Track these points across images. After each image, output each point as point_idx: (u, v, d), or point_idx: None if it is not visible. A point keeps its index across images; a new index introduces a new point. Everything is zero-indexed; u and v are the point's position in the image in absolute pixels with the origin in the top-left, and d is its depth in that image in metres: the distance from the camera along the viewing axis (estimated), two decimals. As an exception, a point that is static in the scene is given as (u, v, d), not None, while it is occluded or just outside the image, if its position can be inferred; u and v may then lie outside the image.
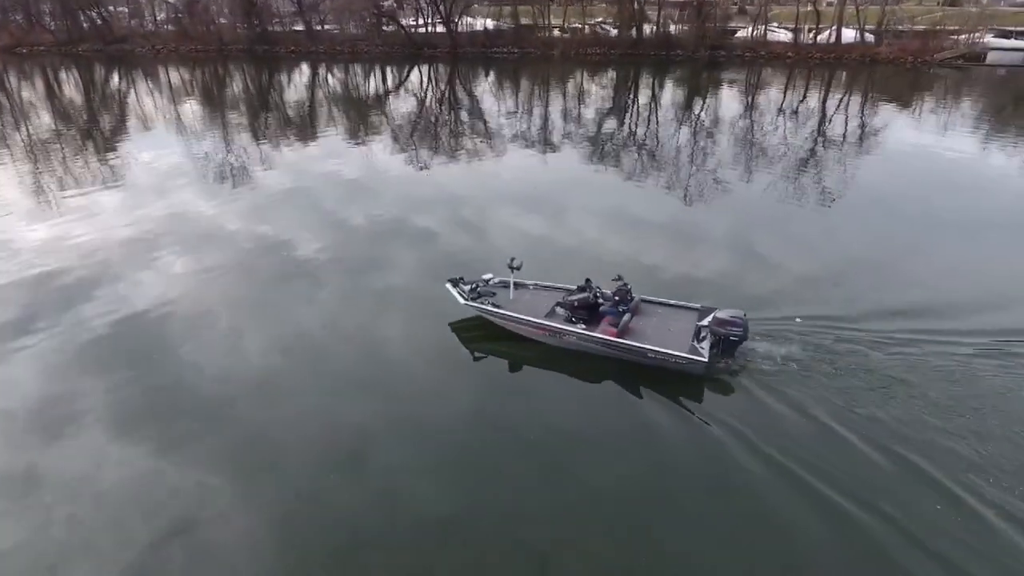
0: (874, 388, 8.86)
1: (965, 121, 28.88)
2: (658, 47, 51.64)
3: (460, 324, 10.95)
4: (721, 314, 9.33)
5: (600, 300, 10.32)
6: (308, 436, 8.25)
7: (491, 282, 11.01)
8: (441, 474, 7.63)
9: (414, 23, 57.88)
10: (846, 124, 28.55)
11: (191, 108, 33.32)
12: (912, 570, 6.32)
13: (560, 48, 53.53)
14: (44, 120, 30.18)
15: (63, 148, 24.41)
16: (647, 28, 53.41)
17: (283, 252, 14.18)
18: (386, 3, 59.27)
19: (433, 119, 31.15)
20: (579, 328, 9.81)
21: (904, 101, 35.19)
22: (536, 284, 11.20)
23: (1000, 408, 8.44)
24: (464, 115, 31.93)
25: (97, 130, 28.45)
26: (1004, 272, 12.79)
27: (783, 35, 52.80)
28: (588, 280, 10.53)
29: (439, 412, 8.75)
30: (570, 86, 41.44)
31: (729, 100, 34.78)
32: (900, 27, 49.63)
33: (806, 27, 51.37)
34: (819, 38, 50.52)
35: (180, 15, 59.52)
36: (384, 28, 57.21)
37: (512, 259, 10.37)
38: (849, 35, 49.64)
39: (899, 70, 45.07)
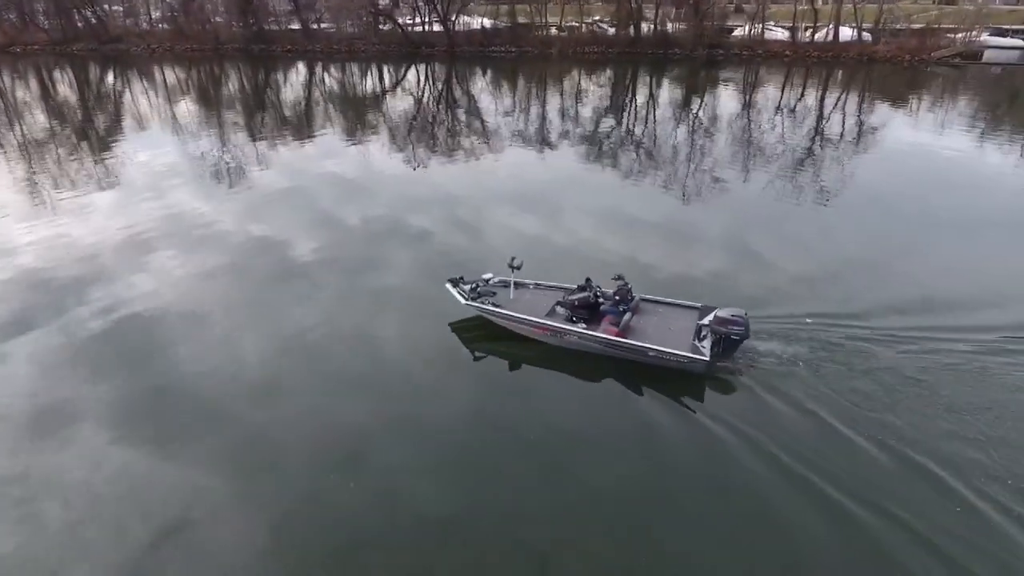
0: (876, 387, 8.86)
1: (962, 120, 28.96)
2: (656, 46, 51.63)
3: (460, 324, 10.91)
4: (722, 313, 9.32)
5: (600, 299, 10.30)
6: (308, 436, 8.22)
7: (491, 282, 10.98)
8: (441, 474, 7.61)
9: (411, 22, 57.73)
10: (844, 123, 28.58)
11: (187, 108, 33.15)
12: (916, 571, 6.31)
13: (558, 47, 53.48)
14: (39, 120, 29.98)
15: (58, 148, 24.26)
16: (645, 27, 53.40)
17: (281, 252, 14.11)
18: (383, 2, 59.12)
19: (430, 118, 31.07)
20: (580, 327, 9.78)
21: (902, 100, 35.27)
22: (536, 283, 11.17)
23: (1005, 405, 8.45)
24: (462, 114, 31.86)
25: (92, 130, 28.28)
26: (1005, 270, 12.81)
27: (780, 34, 52.86)
28: (588, 279, 10.50)
29: (439, 412, 8.72)
30: (568, 85, 41.38)
31: (727, 99, 34.79)
32: (897, 26, 49.73)
33: (803, 26, 51.45)
34: (816, 37, 50.61)
35: (175, 14, 59.21)
36: (381, 27, 57.05)
37: (512, 258, 10.33)
38: (846, 34, 49.74)
39: (896, 68, 45.17)
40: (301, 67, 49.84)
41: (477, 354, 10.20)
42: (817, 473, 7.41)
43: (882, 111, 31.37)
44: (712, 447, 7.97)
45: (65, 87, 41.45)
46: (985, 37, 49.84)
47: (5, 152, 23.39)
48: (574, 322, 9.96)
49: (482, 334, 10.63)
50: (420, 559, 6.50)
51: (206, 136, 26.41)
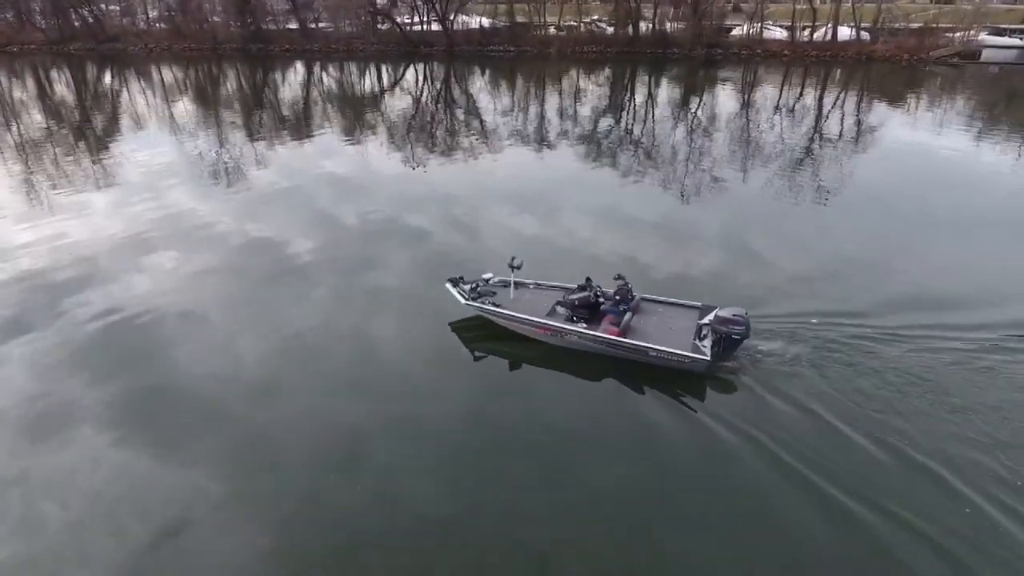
0: (878, 385, 8.85)
1: (960, 119, 29.02)
2: (654, 45, 51.63)
3: (460, 324, 10.89)
4: (723, 312, 9.31)
5: (601, 299, 10.29)
6: (308, 436, 8.20)
7: (491, 281, 10.96)
8: (441, 474, 7.60)
9: (409, 21, 57.63)
10: (843, 122, 28.61)
11: (185, 108, 33.05)
12: (919, 571, 6.30)
13: (556, 46, 53.45)
14: (36, 119, 29.87)
15: (55, 148, 24.16)
16: (643, 26, 53.39)
17: (280, 252, 14.07)
18: (381, 1, 58.99)
19: (429, 118, 31.02)
20: (580, 327, 9.77)
21: (900, 99, 35.31)
22: (536, 283, 11.15)
23: (1010, 405, 8.45)
24: (460, 114, 31.82)
25: (90, 129, 28.18)
26: (1005, 269, 12.82)
27: (779, 33, 52.91)
28: (588, 279, 10.48)
29: (439, 412, 8.70)
30: (566, 84, 41.36)
31: (726, 99, 34.80)
32: (895, 25, 49.81)
33: (801, 25, 51.48)
34: (815, 36, 50.66)
35: (173, 13, 59.03)
36: (379, 26, 56.96)
37: (513, 258, 10.32)
38: (844, 33, 49.80)
39: (895, 68, 45.23)
40: (299, 67, 49.73)
41: (477, 354, 10.18)
42: (818, 472, 7.40)
43: (881, 110, 31.41)
44: (713, 447, 7.96)
45: (62, 87, 41.31)
46: (983, 36, 49.95)
47: (2, 153, 23.28)
48: (574, 322, 9.94)
49: (482, 334, 10.61)
50: (420, 559, 6.48)
51: (204, 136, 26.33)
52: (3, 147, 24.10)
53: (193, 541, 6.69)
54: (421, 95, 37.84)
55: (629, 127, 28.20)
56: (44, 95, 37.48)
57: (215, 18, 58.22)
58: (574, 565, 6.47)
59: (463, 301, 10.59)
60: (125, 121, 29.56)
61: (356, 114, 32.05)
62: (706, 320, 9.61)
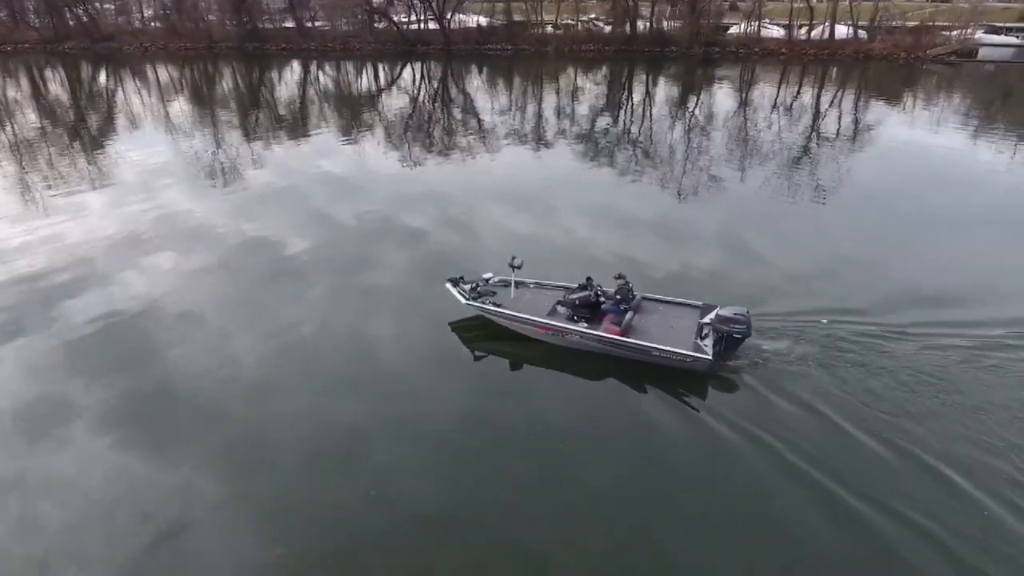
0: (880, 383, 8.83)
1: (957, 117, 29.09)
2: (652, 44, 51.66)
3: (460, 324, 10.83)
4: (724, 311, 9.28)
5: (601, 298, 10.24)
6: (308, 436, 8.16)
7: (491, 281, 10.91)
8: (441, 474, 7.57)
9: (406, 20, 57.47)
10: (841, 120, 28.64)
11: (180, 107, 32.87)
12: (924, 571, 6.27)
13: (554, 45, 53.42)
14: (30, 119, 29.64)
15: (50, 148, 23.98)
16: (641, 24, 53.36)
17: (278, 252, 13.97)
18: (378, 0, 58.81)
19: (426, 117, 30.93)
20: (581, 327, 9.72)
21: (899, 97, 35.38)
22: (536, 283, 11.09)
23: (1014, 403, 8.45)
24: (458, 113, 31.73)
25: (85, 129, 27.99)
26: (1006, 266, 12.84)
27: (776, 31, 52.96)
28: (589, 278, 10.44)
29: (439, 412, 8.66)
30: (564, 83, 41.31)
31: (724, 97, 34.82)
32: (893, 23, 49.92)
33: (798, 23, 51.53)
34: (812, 34, 50.73)
35: (168, 12, 58.72)
36: (376, 25, 56.78)
37: (513, 258, 10.26)
38: (842, 31, 49.88)
39: (892, 66, 45.35)
40: (296, 65, 49.53)
41: (477, 354, 10.12)
42: (821, 471, 7.38)
43: (879, 109, 31.46)
44: (714, 446, 7.93)
45: (57, 86, 41.05)
46: (980, 35, 50.13)
47: (-4, 152, 23.10)
48: (575, 321, 9.90)
49: (482, 334, 10.55)
50: (420, 559, 6.46)
51: (200, 136, 26.18)
52: (-3, 147, 23.91)
53: (192, 541, 6.65)
54: (418, 94, 37.73)
55: (627, 126, 28.17)
56: (38, 95, 37.21)
57: (211, 17, 57.99)
58: (574, 565, 6.44)
59: (463, 301, 10.53)
60: (120, 121, 29.36)
61: (353, 113, 31.93)
62: (707, 319, 9.57)
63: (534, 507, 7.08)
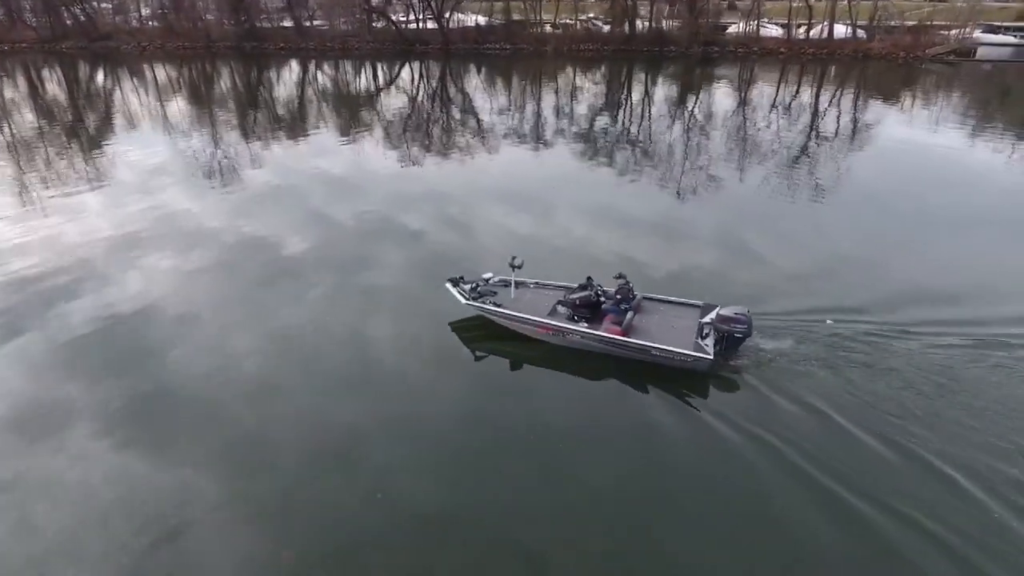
0: (883, 382, 8.82)
1: (956, 117, 29.13)
2: (651, 43, 51.62)
3: (460, 324, 10.80)
4: (725, 311, 9.26)
5: (602, 298, 10.22)
6: (308, 436, 8.13)
7: (491, 281, 10.89)
8: (441, 474, 7.55)
9: (405, 19, 57.38)
10: (840, 120, 28.64)
11: (178, 106, 32.76)
12: (927, 572, 6.25)
13: (553, 44, 53.36)
14: (28, 119, 29.53)
15: (47, 147, 23.88)
16: (640, 24, 53.33)
17: (277, 252, 13.93)
18: (376, -1, 58.74)
19: (425, 116, 30.87)
20: (582, 327, 9.70)
21: (898, 97, 35.41)
22: (537, 283, 11.07)
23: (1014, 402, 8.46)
24: (456, 112, 31.68)
25: (82, 129, 27.89)
26: (1006, 266, 12.85)
27: (774, 31, 52.98)
28: (589, 278, 10.42)
29: (439, 412, 8.64)
30: (563, 82, 41.27)
31: (723, 96, 34.81)
32: (891, 22, 49.98)
33: (796, 23, 51.55)
34: (811, 33, 50.76)
35: (166, 11, 58.54)
36: (374, 24, 56.67)
37: (513, 257, 10.23)
38: (840, 31, 49.92)
39: (891, 65, 45.38)
40: (294, 65, 49.42)
41: (478, 354, 10.10)
42: (823, 471, 7.37)
43: (879, 109, 31.48)
44: (715, 446, 7.91)
45: (54, 85, 40.89)
46: (978, 34, 50.21)
47: (-7, 151, 23.00)
48: (576, 321, 9.87)
49: (483, 334, 10.53)
50: (420, 559, 6.45)
51: (198, 135, 26.09)
52: (-6, 147, 23.80)
53: (192, 542, 6.63)
54: (417, 94, 37.67)
55: (626, 126, 28.15)
56: (36, 94, 37.07)
57: (209, 16, 57.79)
58: (574, 565, 6.42)
59: (463, 301, 10.51)
60: (118, 121, 29.25)
61: (351, 113, 31.86)
62: (708, 319, 9.55)
63: (534, 507, 7.06)
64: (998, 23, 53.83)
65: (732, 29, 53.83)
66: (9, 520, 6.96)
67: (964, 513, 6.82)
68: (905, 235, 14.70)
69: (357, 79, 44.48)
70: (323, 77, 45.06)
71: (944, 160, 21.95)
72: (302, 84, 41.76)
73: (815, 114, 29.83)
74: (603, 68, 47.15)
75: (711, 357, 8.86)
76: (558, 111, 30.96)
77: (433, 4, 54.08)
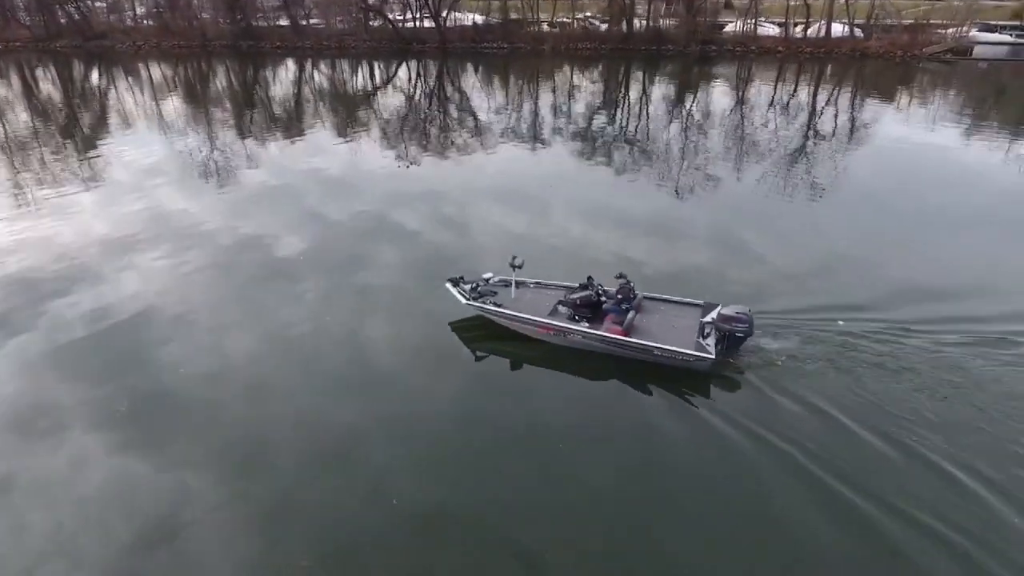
0: (887, 382, 8.81)
1: (955, 115, 29.22)
2: (649, 42, 51.59)
3: (460, 324, 10.75)
4: (726, 310, 9.24)
5: (603, 298, 10.17)
6: (308, 437, 8.09)
7: (491, 281, 10.83)
8: (442, 474, 7.52)
9: (402, 18, 57.19)
10: (846, 121, 28.68)
11: (174, 105, 32.57)
12: (929, 571, 6.23)
13: (550, 43, 53.30)
14: (22, 118, 29.29)
15: (42, 147, 23.70)
16: (637, 23, 53.30)
17: (274, 252, 13.83)
18: (373, -2, 58.49)
19: (422, 115, 30.77)
20: (583, 326, 9.65)
21: (899, 96, 35.48)
22: (537, 283, 11.01)
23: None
24: (454, 111, 31.58)
25: (77, 128, 27.69)
26: (1008, 264, 12.87)
27: (772, 29, 53.03)
28: (590, 278, 10.38)
29: (440, 412, 8.59)
30: (561, 81, 41.21)
31: (721, 95, 34.80)
32: (888, 21, 50.10)
33: (793, 21, 51.63)
34: (808, 32, 50.84)
35: (161, 10, 58.18)
36: (371, 23, 56.45)
37: (514, 257, 10.18)
38: (837, 29, 50.00)
39: (889, 64, 45.49)
40: (290, 64, 49.18)
41: (478, 354, 10.04)
42: (823, 469, 7.35)
43: (884, 108, 31.54)
44: (716, 446, 7.88)
45: (48, 85, 40.59)
46: (974, 33, 50.38)
47: (-13, 151, 22.80)
48: (577, 321, 9.83)
49: (483, 334, 10.47)
50: (420, 559, 6.42)
51: (194, 135, 25.92)
52: (-12, 146, 23.60)
53: (191, 543, 6.59)
54: (414, 92, 37.54)
55: (624, 124, 28.11)
56: (30, 93, 36.78)
57: (204, 15, 57.47)
58: (574, 565, 6.39)
59: (464, 301, 10.45)
60: (113, 120, 29.06)
61: (349, 112, 31.72)
62: (709, 318, 9.52)
63: (535, 507, 7.04)
64: (994, 22, 54.03)
65: (729, 28, 53.87)
66: (7, 521, 6.90)
67: (966, 511, 6.81)
68: (902, 234, 14.70)
69: (354, 78, 44.30)
70: (319, 76, 44.87)
71: (942, 159, 22.00)
72: (298, 83, 41.57)
73: (812, 113, 29.86)
74: (600, 67, 47.10)
75: (713, 357, 8.83)
76: (556, 110, 30.90)
77: (430, 3, 53.93)
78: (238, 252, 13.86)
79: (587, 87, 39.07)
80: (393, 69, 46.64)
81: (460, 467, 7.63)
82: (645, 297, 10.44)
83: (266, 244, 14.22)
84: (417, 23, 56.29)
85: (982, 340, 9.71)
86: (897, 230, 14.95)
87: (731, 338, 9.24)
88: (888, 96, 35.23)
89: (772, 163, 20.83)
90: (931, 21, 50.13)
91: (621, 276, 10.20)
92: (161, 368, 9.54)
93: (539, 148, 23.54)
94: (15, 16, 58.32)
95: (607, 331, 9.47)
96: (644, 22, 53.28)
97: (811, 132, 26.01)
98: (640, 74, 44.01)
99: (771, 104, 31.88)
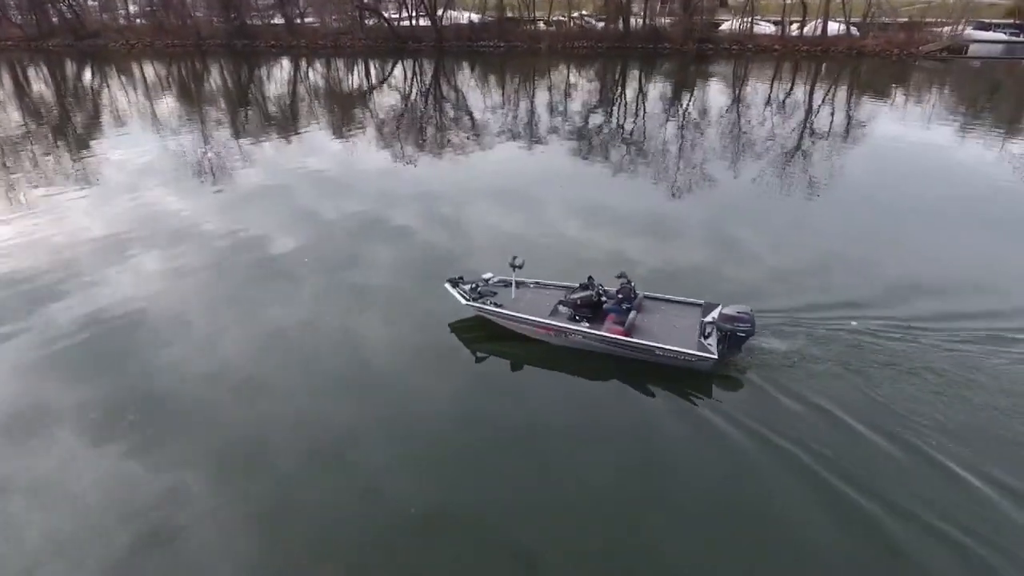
0: (890, 381, 8.77)
1: (953, 114, 29.35)
2: (645, 40, 51.63)
3: (460, 324, 10.67)
4: (728, 310, 9.18)
5: (603, 298, 10.11)
6: (307, 437, 8.03)
7: (491, 281, 10.76)
8: (442, 474, 7.48)
9: (397, 16, 56.99)
10: (842, 119, 28.72)
11: (168, 105, 32.32)
12: (930, 571, 6.20)
13: (547, 41, 53.23)
14: (13, 117, 28.99)
15: (34, 146, 23.45)
16: (634, 21, 53.28)
17: (272, 252, 13.71)
18: (368, -4, 58.25)
19: (418, 115, 30.64)
20: (584, 327, 9.59)
21: (896, 94, 35.57)
22: (537, 283, 10.94)
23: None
24: (450, 110, 31.46)
25: (70, 128, 27.43)
26: (1008, 262, 12.88)
27: (768, 28, 53.11)
28: (590, 277, 10.31)
29: (440, 412, 8.54)
30: (557, 80, 41.13)
31: (717, 94, 34.83)
32: (884, 20, 50.26)
33: (790, 20, 51.73)
34: (804, 31, 50.95)
35: (154, 8, 57.76)
36: (367, 22, 56.23)
37: (514, 257, 10.11)
38: (834, 28, 50.13)
39: (885, 63, 45.63)
40: (285, 63, 48.94)
41: (478, 354, 9.97)
42: (824, 469, 7.32)
43: (877, 106, 31.60)
44: (716, 444, 7.85)
45: (41, 84, 40.22)
46: (969, 31, 50.61)
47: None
48: (577, 321, 9.76)
49: (483, 334, 10.40)
50: (420, 559, 6.39)
51: (188, 134, 25.72)
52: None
53: (190, 543, 6.54)
54: (410, 91, 37.39)
55: (622, 123, 28.06)
56: (22, 93, 36.43)
57: (198, 13, 57.10)
58: (574, 565, 6.36)
59: (463, 302, 10.36)
60: (107, 119, 28.82)
61: (344, 111, 31.56)
62: (710, 318, 9.47)
63: (535, 507, 7.00)
64: (988, 20, 54.29)
65: (726, 26, 53.94)
66: (7, 521, 6.82)
67: (968, 510, 6.78)
68: (900, 232, 14.70)
69: (349, 77, 44.12)
70: (315, 75, 44.65)
71: (938, 156, 22.06)
72: (293, 82, 41.36)
73: (809, 111, 29.89)
74: (597, 66, 47.05)
75: (715, 356, 8.77)
76: (552, 109, 30.82)
77: (426, 1, 53.75)
78: (236, 252, 13.73)
79: (584, 86, 39.02)
80: (389, 68, 46.48)
81: (460, 467, 7.59)
82: (646, 297, 10.38)
83: (262, 244, 14.10)
84: (413, 22, 56.14)
85: (983, 337, 9.70)
86: (893, 228, 14.96)
87: (733, 337, 9.19)
88: (884, 94, 35.32)
89: (769, 161, 20.84)
90: (927, 19, 50.32)
91: (621, 276, 10.14)
92: (158, 368, 9.44)
93: (536, 147, 23.46)
94: (6, 15, 57.76)
95: (608, 331, 9.41)
96: (640, 20, 53.29)
97: (808, 130, 26.03)
98: (637, 72, 44.00)
99: (768, 102, 31.91)
